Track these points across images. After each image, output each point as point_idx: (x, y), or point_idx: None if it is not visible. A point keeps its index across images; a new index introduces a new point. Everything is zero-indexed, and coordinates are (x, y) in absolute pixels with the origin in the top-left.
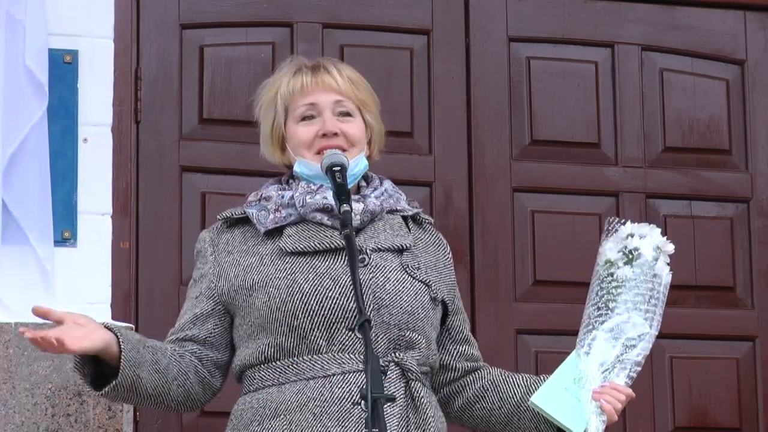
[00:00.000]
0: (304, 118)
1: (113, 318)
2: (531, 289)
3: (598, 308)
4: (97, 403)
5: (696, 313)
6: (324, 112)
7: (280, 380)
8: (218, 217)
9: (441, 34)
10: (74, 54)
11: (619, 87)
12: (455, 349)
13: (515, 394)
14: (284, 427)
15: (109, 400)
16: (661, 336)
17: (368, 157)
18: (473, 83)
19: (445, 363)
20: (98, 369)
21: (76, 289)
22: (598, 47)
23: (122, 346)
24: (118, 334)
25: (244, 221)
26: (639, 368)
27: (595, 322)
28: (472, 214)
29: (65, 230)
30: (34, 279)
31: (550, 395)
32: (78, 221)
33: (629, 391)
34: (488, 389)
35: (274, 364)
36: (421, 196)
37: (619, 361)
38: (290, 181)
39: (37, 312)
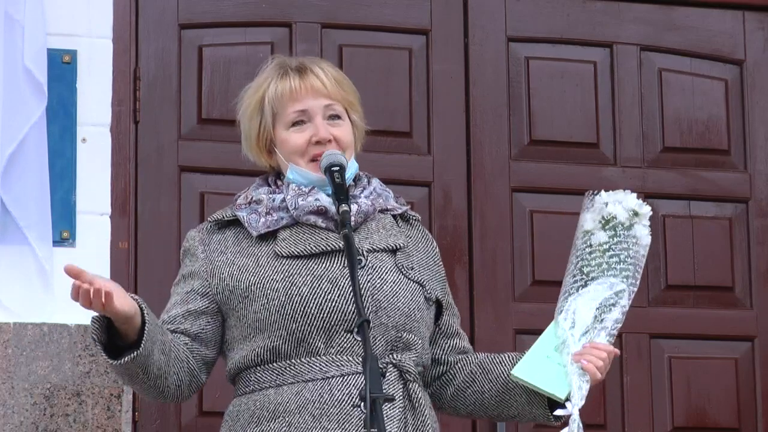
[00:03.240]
0: (294, 124)
1: None
2: (530, 289)
3: (573, 275)
4: (96, 403)
5: (695, 313)
6: (315, 118)
7: (277, 382)
8: (208, 219)
9: (440, 34)
10: (73, 54)
11: (617, 87)
12: (446, 343)
13: (503, 372)
14: (283, 429)
15: (119, 372)
16: (659, 336)
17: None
18: (472, 83)
19: (436, 357)
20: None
21: None
22: (596, 47)
23: (146, 318)
24: (142, 305)
25: (235, 223)
26: (619, 325)
27: (571, 288)
28: (470, 214)
29: (64, 230)
30: (32, 279)
31: (531, 365)
32: (77, 221)
33: (611, 347)
34: (476, 373)
35: (270, 365)
36: (419, 196)
37: (599, 321)
38: (278, 181)
39: (69, 271)
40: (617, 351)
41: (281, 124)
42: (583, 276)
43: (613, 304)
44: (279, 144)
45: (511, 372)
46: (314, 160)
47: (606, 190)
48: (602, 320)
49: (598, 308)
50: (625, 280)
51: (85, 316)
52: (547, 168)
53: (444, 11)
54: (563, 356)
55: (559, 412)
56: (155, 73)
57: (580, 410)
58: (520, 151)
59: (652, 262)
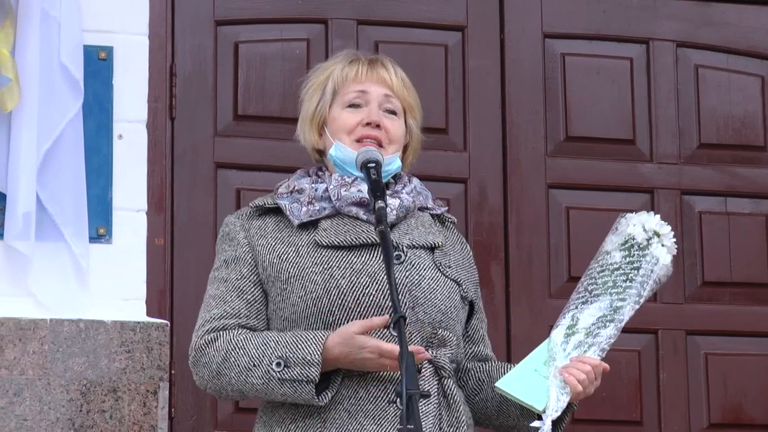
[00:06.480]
0: (351, 105)
1: (148, 314)
2: (566, 285)
3: (578, 292)
4: (132, 399)
5: (731, 309)
6: (371, 103)
7: None
8: (249, 204)
9: (475, 31)
10: (109, 50)
11: (653, 83)
12: (469, 348)
13: None
14: (318, 425)
15: (295, 400)
16: (695, 332)
17: (401, 161)
18: (508, 80)
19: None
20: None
21: (110, 286)
22: (632, 44)
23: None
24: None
25: (275, 211)
26: (613, 340)
27: (572, 304)
28: (506, 210)
29: (100, 227)
30: (69, 275)
31: (517, 378)
32: (113, 218)
33: (597, 362)
34: (484, 382)
35: None
36: (455, 192)
37: (592, 336)
38: (319, 173)
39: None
40: (606, 366)
41: (338, 103)
42: (587, 294)
43: (611, 320)
44: (330, 121)
45: (495, 384)
46: (359, 140)
47: (635, 211)
48: (596, 335)
49: (594, 323)
50: (627, 298)
51: (121, 313)
52: (583, 164)
53: (480, 7)
54: (548, 369)
55: (534, 423)
56: (191, 70)
57: (616, 407)
58: (556, 148)
59: (688, 258)
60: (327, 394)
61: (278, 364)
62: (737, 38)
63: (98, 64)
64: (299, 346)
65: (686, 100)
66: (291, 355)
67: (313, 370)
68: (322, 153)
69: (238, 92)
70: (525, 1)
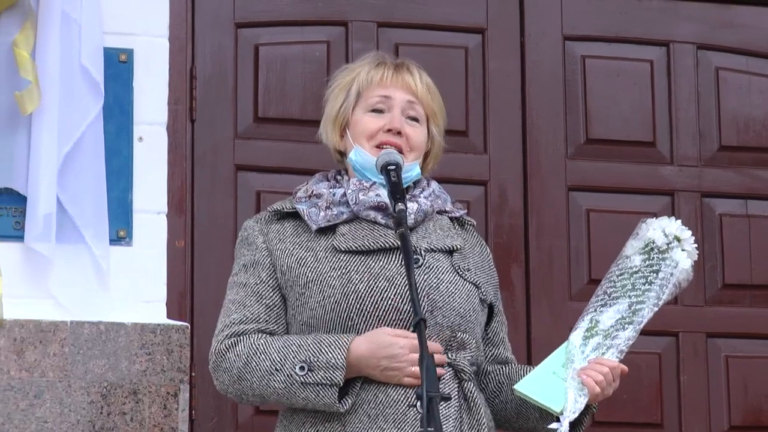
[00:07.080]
0: (374, 110)
1: (168, 317)
2: (586, 287)
3: (597, 296)
4: (153, 401)
5: (752, 312)
6: (394, 109)
7: None
8: (267, 209)
9: (496, 33)
10: (129, 53)
11: (674, 85)
12: (489, 351)
13: None
14: (338, 429)
15: (316, 407)
16: (716, 335)
17: (421, 168)
18: (528, 82)
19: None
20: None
21: (131, 288)
22: (653, 46)
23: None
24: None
25: (293, 216)
26: (632, 342)
27: (591, 308)
28: (527, 212)
29: (120, 229)
30: (89, 277)
31: (535, 380)
32: (133, 220)
33: (615, 363)
34: (504, 383)
35: None
36: (476, 195)
37: (611, 338)
38: (338, 177)
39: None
40: (624, 368)
41: (361, 107)
42: (606, 296)
43: (629, 322)
44: (352, 125)
45: (514, 386)
46: (379, 146)
47: (657, 216)
48: (614, 337)
49: (612, 326)
50: (646, 300)
51: (141, 315)
52: (603, 167)
53: (500, 10)
54: (567, 371)
55: (552, 425)
56: (211, 72)
57: (637, 409)
58: (577, 150)
59: (708, 261)
60: (347, 400)
61: (302, 368)
62: (757, 40)
63: (119, 67)
64: (323, 350)
65: (706, 102)
66: (315, 359)
67: (337, 373)
68: (343, 154)
69: (259, 94)
70: (545, 4)
